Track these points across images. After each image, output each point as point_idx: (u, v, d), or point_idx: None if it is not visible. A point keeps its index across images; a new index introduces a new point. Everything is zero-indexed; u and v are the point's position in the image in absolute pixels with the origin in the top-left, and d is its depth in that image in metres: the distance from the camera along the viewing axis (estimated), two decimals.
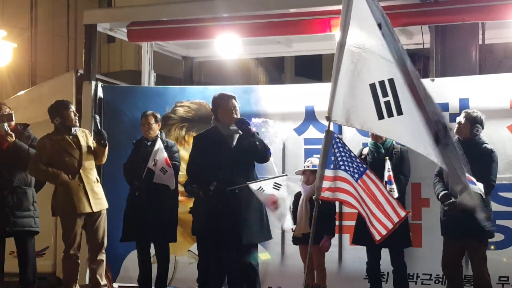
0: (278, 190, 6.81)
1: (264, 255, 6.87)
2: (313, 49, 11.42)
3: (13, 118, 7.91)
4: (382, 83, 5.48)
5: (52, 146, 7.80)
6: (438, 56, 8.90)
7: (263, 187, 6.76)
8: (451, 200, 7.23)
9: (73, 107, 8.03)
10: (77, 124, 7.97)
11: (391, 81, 5.46)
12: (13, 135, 7.80)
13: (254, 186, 6.74)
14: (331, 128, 5.73)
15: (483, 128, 7.45)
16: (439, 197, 7.40)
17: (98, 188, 7.95)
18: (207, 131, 7.26)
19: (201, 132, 7.40)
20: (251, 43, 10.71)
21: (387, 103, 5.44)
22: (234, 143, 7.01)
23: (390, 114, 5.45)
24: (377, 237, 5.70)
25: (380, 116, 5.48)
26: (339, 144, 5.72)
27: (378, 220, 5.67)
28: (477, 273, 7.40)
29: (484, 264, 7.38)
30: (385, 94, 5.46)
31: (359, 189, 5.68)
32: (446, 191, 7.33)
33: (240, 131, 7.07)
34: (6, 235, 7.85)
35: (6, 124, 7.80)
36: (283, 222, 6.99)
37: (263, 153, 7.04)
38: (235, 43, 10.07)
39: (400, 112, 5.43)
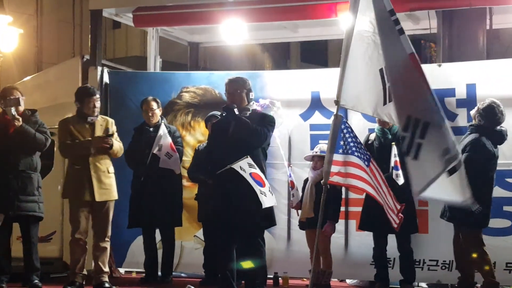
0: (255, 168, 6.79)
1: (247, 264, 6.86)
2: (319, 35, 11.39)
3: (21, 103, 7.90)
4: (381, 70, 5.47)
5: (71, 129, 7.84)
6: (445, 41, 8.88)
7: (242, 167, 6.75)
8: None
9: (97, 97, 7.96)
10: (95, 114, 7.93)
11: (382, 70, 5.48)
12: (20, 119, 7.79)
13: (235, 167, 6.72)
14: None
15: None
16: None
17: (108, 179, 7.89)
18: (219, 119, 7.31)
19: (215, 120, 7.44)
20: (257, 28, 10.68)
21: (389, 89, 5.44)
22: (231, 130, 7.01)
23: (390, 99, 5.43)
24: (394, 225, 5.72)
25: (385, 101, 5.46)
26: (349, 129, 5.70)
27: (390, 208, 5.67)
28: (475, 257, 7.39)
29: (474, 247, 7.36)
30: (388, 80, 5.45)
31: (371, 175, 5.66)
32: None
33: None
34: (10, 220, 7.85)
35: (13, 109, 7.79)
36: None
37: (250, 137, 6.95)
38: (241, 29, 10.05)
39: (391, 99, 5.44)
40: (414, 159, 4.96)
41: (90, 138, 7.80)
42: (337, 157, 5.67)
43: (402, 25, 5.52)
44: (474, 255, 7.34)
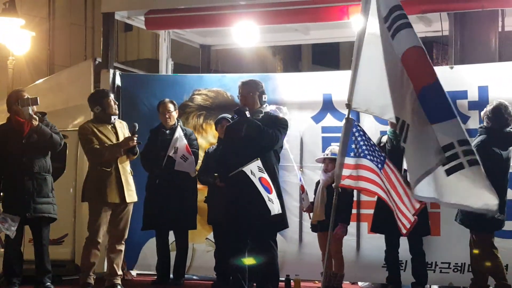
0: (264, 173, 6.79)
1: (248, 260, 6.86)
2: (331, 37, 11.38)
3: (38, 102, 7.91)
4: None
5: (94, 132, 7.84)
6: (457, 43, 8.85)
7: (253, 170, 6.75)
8: None
9: (112, 96, 8.05)
10: (117, 112, 7.99)
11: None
12: (37, 119, 7.83)
13: (246, 170, 6.73)
14: (351, 116, 5.68)
15: None
16: None
17: (132, 180, 7.96)
18: (232, 121, 7.32)
19: (228, 123, 7.46)
20: (269, 31, 10.69)
21: None
22: (244, 130, 7.01)
23: None
24: (404, 231, 5.67)
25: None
26: (361, 132, 5.67)
27: (402, 213, 5.63)
28: (486, 259, 7.37)
29: (485, 250, 7.33)
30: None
31: (384, 179, 5.63)
32: None
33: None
34: (26, 222, 7.87)
35: (30, 108, 7.83)
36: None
37: (261, 139, 6.96)
38: (253, 31, 10.06)
39: None
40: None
41: (117, 142, 7.81)
42: (349, 160, 5.65)
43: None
44: (485, 258, 7.31)
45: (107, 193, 7.72)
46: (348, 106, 5.60)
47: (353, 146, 5.65)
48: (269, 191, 6.76)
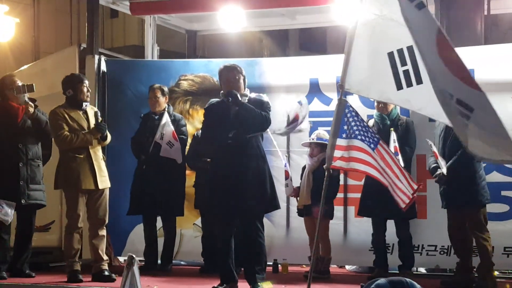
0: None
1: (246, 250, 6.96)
2: (317, 21, 11.34)
3: (34, 89, 7.85)
4: (400, 51, 5.29)
5: (65, 117, 7.76)
6: (443, 26, 8.80)
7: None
8: (438, 172, 7.39)
9: (87, 82, 7.96)
10: (88, 100, 7.92)
11: (410, 48, 5.24)
12: (33, 105, 7.78)
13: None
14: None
15: None
16: (430, 169, 7.56)
17: (104, 166, 7.92)
18: (215, 103, 7.21)
19: (209, 105, 7.36)
20: (255, 15, 10.65)
21: (406, 72, 5.27)
22: (233, 114, 6.98)
23: (409, 84, 5.25)
24: (402, 205, 5.67)
25: (399, 86, 5.32)
26: (353, 113, 5.64)
27: (399, 189, 5.63)
28: (477, 240, 7.42)
29: (481, 230, 7.40)
30: (403, 63, 5.28)
31: (377, 158, 5.61)
32: (435, 164, 7.46)
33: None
34: (19, 208, 7.83)
35: (27, 95, 7.79)
36: None
37: (255, 123, 6.95)
38: (239, 16, 10.02)
39: (419, 81, 5.22)
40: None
41: (87, 131, 7.73)
42: (340, 141, 5.61)
43: None
44: (482, 235, 7.37)
45: (81, 180, 7.67)
46: (341, 87, 5.57)
47: (345, 127, 5.62)
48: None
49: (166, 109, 8.60)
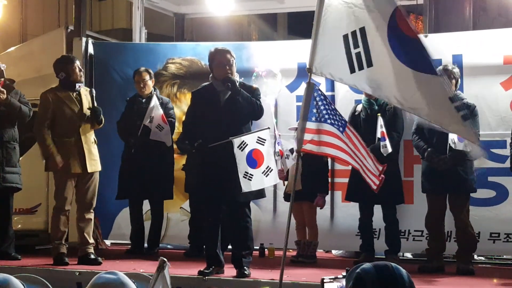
0: (263, 145, 6.71)
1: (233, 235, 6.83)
2: (305, 5, 11.27)
3: (4, 75, 7.81)
4: (354, 33, 5.35)
5: (56, 100, 7.72)
6: (431, 12, 8.84)
7: (246, 141, 6.65)
8: (442, 156, 7.31)
9: (78, 63, 7.92)
10: (82, 80, 7.89)
11: (362, 30, 5.31)
12: (5, 92, 7.72)
13: (236, 141, 6.63)
14: (317, 81, 5.63)
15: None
16: (426, 154, 7.46)
17: (95, 150, 7.88)
18: (203, 87, 7.13)
19: (197, 88, 7.30)
20: None
21: (358, 55, 5.33)
22: (224, 100, 6.92)
23: (361, 67, 5.32)
24: (374, 187, 5.70)
25: (352, 70, 5.38)
26: (322, 97, 5.66)
27: (369, 171, 5.66)
28: (462, 227, 7.43)
29: (467, 217, 7.43)
30: (356, 45, 5.33)
31: (347, 141, 5.64)
32: (431, 148, 7.41)
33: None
34: None
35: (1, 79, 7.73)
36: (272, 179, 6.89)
37: (251, 111, 6.91)
38: None
39: (370, 64, 5.29)
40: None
41: (53, 151, 7.64)
42: (310, 124, 5.64)
43: None
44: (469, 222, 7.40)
45: (70, 163, 7.64)
46: (309, 70, 5.59)
47: (315, 110, 5.64)
48: (255, 165, 6.68)
49: (153, 93, 8.56)
